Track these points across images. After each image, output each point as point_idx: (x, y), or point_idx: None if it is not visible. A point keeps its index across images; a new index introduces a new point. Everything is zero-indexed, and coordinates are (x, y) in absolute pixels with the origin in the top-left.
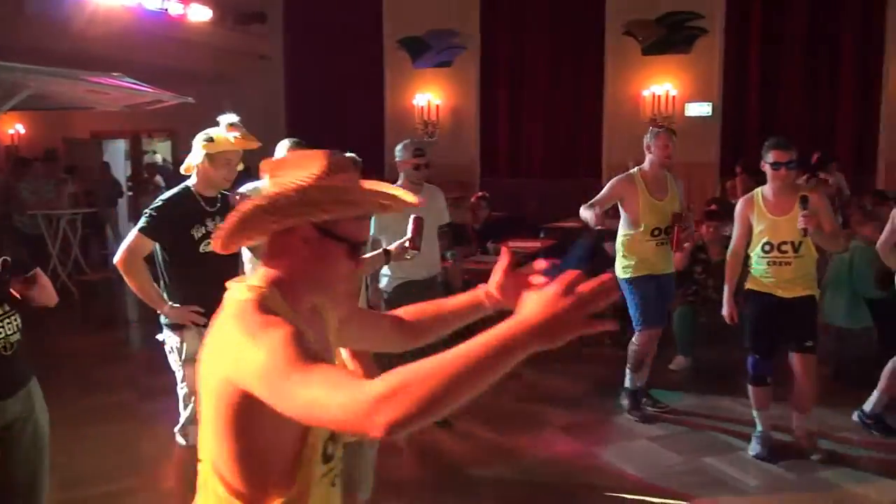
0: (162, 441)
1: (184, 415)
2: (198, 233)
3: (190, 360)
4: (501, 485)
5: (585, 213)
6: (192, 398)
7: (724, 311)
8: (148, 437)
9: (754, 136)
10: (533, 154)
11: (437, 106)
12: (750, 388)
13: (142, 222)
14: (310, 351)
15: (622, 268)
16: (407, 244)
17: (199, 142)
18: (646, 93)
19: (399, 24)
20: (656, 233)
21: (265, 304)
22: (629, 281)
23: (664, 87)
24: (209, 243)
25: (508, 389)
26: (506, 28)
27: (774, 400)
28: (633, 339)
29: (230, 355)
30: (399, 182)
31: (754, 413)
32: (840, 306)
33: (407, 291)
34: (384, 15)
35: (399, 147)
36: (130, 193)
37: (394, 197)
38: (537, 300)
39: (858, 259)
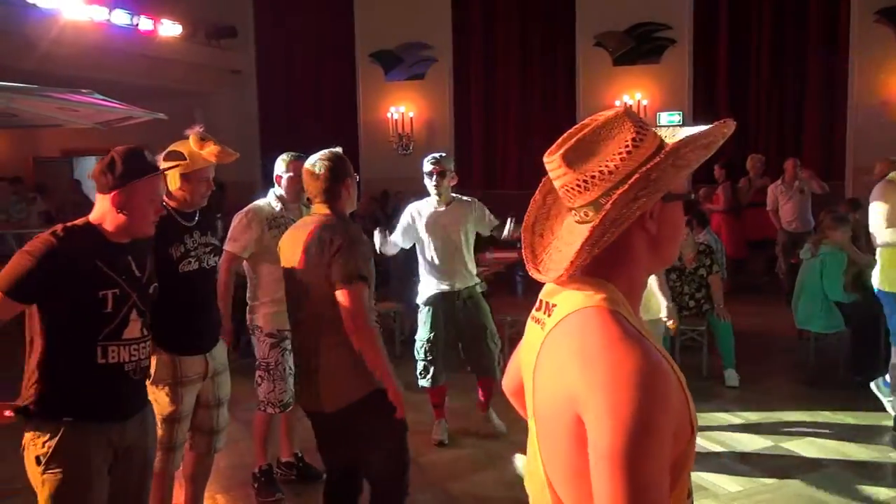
0: None
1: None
2: (177, 252)
3: (184, 418)
4: (484, 499)
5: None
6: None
7: None
8: None
9: (724, 144)
10: (507, 165)
11: (411, 118)
12: None
13: None
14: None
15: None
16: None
17: (168, 163)
18: (617, 103)
19: (371, 37)
20: None
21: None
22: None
23: (635, 97)
24: (191, 261)
25: (493, 404)
26: (477, 40)
27: (740, 402)
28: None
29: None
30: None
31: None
32: (814, 312)
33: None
34: (356, 28)
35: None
36: None
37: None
38: None
39: (829, 265)
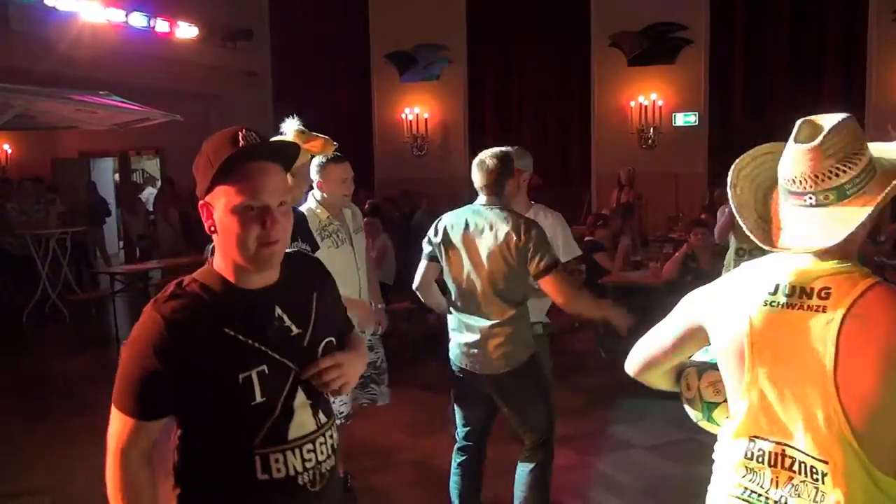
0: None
1: None
2: None
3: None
4: (497, 497)
5: None
6: None
7: None
8: None
9: (741, 145)
10: None
11: (426, 119)
12: None
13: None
14: None
15: None
16: None
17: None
18: (633, 103)
19: (386, 38)
20: None
21: None
22: None
23: (651, 98)
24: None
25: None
26: (492, 41)
27: None
28: None
29: None
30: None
31: None
32: None
33: None
34: (371, 30)
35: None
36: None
37: None
38: None
39: None
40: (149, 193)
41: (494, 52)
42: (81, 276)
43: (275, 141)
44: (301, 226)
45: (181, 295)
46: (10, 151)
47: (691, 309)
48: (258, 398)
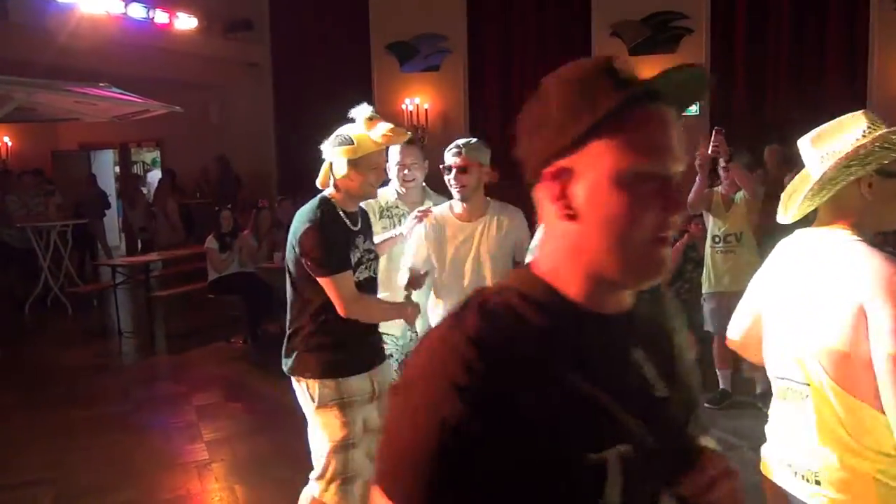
0: (155, 452)
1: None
2: (354, 258)
3: (358, 444)
4: None
5: None
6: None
7: None
8: (141, 448)
9: (742, 135)
10: None
11: (426, 110)
12: None
13: (328, 261)
14: None
15: None
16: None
17: (335, 147)
18: None
19: (386, 28)
20: None
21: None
22: None
23: None
24: (363, 270)
25: None
26: (493, 31)
27: None
28: None
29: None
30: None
31: None
32: None
33: None
34: (371, 20)
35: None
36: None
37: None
38: None
39: None
40: (153, 177)
41: (495, 42)
42: (84, 268)
43: (680, 68)
44: (369, 226)
45: (493, 311)
46: (10, 144)
47: (755, 283)
48: (612, 499)
